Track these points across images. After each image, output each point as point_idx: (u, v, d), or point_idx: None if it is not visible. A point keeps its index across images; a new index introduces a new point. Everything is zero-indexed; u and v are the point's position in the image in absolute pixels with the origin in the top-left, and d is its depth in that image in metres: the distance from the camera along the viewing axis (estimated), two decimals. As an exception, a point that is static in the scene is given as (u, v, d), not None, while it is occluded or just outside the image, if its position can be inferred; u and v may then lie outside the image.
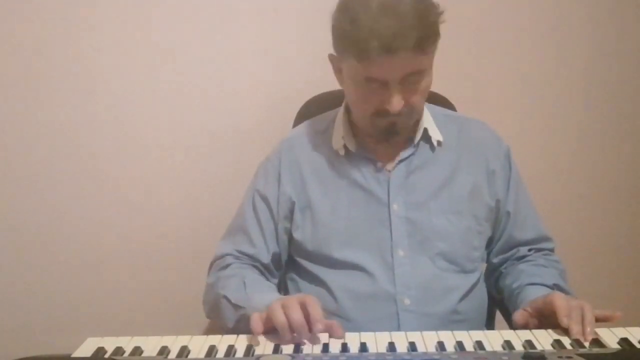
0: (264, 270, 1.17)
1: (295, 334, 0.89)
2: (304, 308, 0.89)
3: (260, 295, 1.00)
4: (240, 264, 1.16)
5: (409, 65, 0.98)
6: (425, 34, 0.96)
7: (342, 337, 0.91)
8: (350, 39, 0.97)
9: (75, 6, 1.46)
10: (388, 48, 0.94)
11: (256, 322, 0.89)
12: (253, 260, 1.17)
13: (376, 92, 1.01)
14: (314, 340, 0.89)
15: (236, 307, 1.03)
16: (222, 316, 1.07)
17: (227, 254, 1.17)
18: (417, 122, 1.13)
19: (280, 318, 0.88)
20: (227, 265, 1.15)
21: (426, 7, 0.97)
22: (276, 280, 1.20)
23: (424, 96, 1.06)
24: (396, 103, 1.00)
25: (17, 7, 1.44)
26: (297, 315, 0.88)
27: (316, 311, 0.89)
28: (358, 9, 0.96)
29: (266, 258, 1.17)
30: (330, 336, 0.91)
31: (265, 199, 1.17)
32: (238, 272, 1.12)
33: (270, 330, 0.91)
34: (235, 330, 1.01)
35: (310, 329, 0.88)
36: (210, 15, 1.52)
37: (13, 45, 1.45)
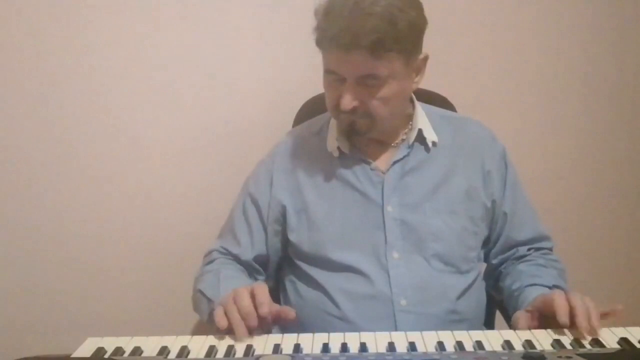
0: (249, 268, 1.19)
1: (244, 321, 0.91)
2: (252, 296, 0.92)
3: (229, 291, 1.00)
4: (224, 259, 1.18)
5: (362, 67, 0.99)
6: (384, 39, 0.96)
7: (293, 317, 0.96)
8: (317, 26, 1.01)
9: (75, 6, 1.46)
10: (338, 43, 0.96)
11: (221, 317, 0.92)
12: (236, 259, 1.18)
13: (335, 85, 1.04)
14: (265, 327, 0.92)
15: (209, 301, 1.05)
16: (198, 310, 1.10)
17: (214, 250, 1.20)
18: (404, 124, 1.14)
19: (231, 310, 0.92)
20: (212, 261, 1.18)
21: (400, 14, 0.96)
22: (263, 278, 1.21)
23: (388, 104, 1.04)
24: (345, 101, 1.02)
25: (17, 7, 1.44)
26: (246, 302, 0.91)
27: (262, 296, 0.92)
28: (338, 2, 0.98)
29: (248, 256, 1.18)
30: (283, 320, 0.95)
31: (255, 202, 1.18)
32: (218, 267, 1.14)
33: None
34: (210, 324, 1.02)
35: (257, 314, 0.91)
36: (210, 15, 1.52)
37: (13, 45, 1.45)
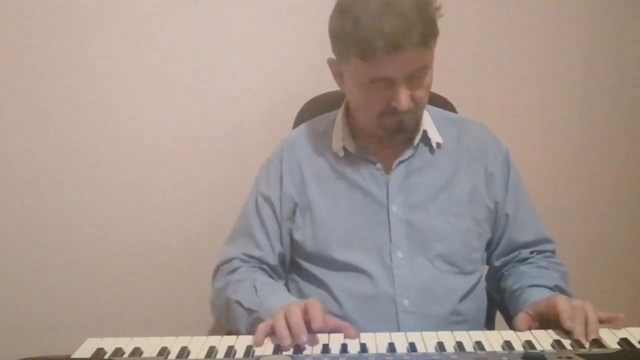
0: (271, 272, 1.17)
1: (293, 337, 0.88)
2: (304, 312, 0.90)
3: (273, 298, 1.00)
4: (248, 267, 1.15)
5: (414, 62, 0.98)
6: (427, 29, 0.96)
7: (356, 336, 0.91)
8: (355, 40, 0.97)
9: (77, 7, 1.46)
10: (394, 46, 0.94)
11: (259, 334, 0.90)
12: (260, 263, 1.17)
13: (382, 91, 1.01)
14: (313, 342, 0.89)
15: (250, 311, 1.03)
16: (234, 321, 1.07)
17: (234, 258, 1.17)
18: (419, 120, 1.13)
19: (281, 325, 0.89)
20: (235, 269, 1.15)
21: (425, 2, 0.98)
22: (283, 282, 1.20)
23: (428, 91, 1.06)
24: (404, 100, 1.00)
25: (18, 6, 1.44)
26: (296, 318, 0.88)
27: (316, 311, 0.90)
28: (358, 10, 0.96)
29: (273, 260, 1.17)
30: (346, 336, 0.91)
31: (268, 201, 1.17)
32: (248, 275, 1.12)
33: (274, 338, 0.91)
34: (250, 334, 1.01)
35: (309, 329, 0.88)
36: (211, 15, 1.52)
37: (14, 45, 1.45)
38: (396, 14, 0.94)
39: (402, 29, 0.94)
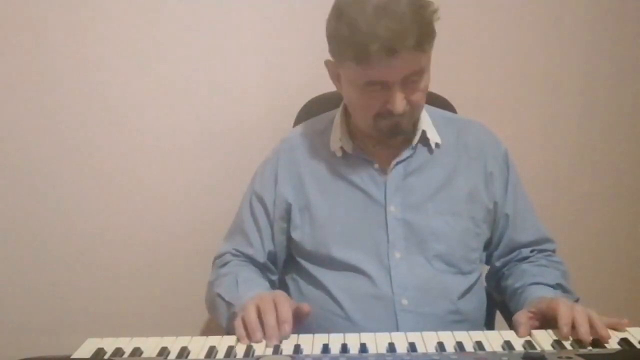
0: (263, 268, 1.19)
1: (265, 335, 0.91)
2: (275, 308, 0.92)
3: (250, 294, 1.00)
4: (238, 261, 1.18)
5: (409, 65, 0.98)
6: (423, 32, 0.96)
7: (309, 310, 0.97)
8: (350, 43, 0.97)
9: (76, 6, 1.46)
10: (389, 49, 0.94)
11: (241, 331, 0.92)
12: (251, 260, 1.18)
13: (377, 94, 1.02)
14: (282, 339, 0.91)
15: (229, 304, 1.05)
16: (217, 314, 1.10)
17: (227, 252, 1.20)
18: (416, 122, 1.13)
19: (252, 319, 0.91)
20: (226, 263, 1.17)
21: (421, 5, 0.97)
22: (276, 277, 1.21)
23: (424, 94, 1.06)
24: (399, 104, 1.01)
25: (18, 5, 1.44)
26: (272, 321, 0.91)
27: (284, 311, 0.92)
28: (354, 13, 0.96)
29: (262, 258, 1.18)
30: (301, 318, 0.95)
31: (261, 200, 1.18)
32: (234, 269, 1.14)
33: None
34: (229, 329, 1.02)
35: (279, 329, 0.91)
36: (211, 15, 1.52)
37: (13, 44, 1.45)
38: (391, 18, 0.94)
39: (397, 32, 0.94)
